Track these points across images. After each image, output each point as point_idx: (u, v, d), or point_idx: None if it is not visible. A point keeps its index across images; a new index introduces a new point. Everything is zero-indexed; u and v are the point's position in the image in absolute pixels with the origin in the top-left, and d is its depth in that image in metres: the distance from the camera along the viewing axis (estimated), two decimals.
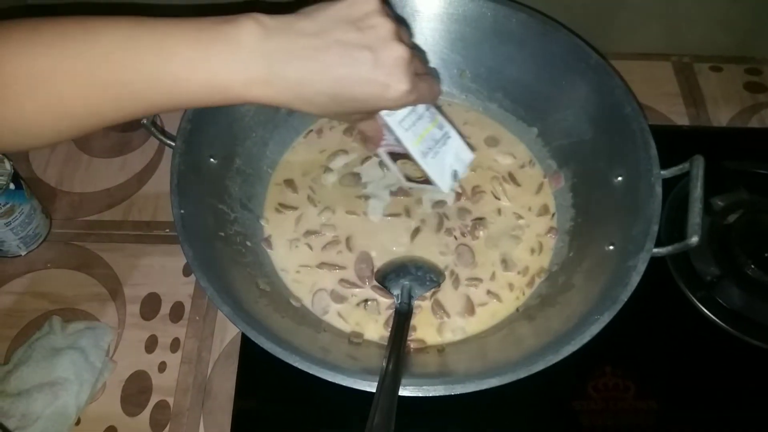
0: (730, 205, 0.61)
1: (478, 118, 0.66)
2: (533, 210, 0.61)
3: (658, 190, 0.50)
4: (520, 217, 0.60)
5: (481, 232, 0.59)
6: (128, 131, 0.70)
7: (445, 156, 0.50)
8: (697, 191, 0.48)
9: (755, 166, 0.65)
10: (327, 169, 0.63)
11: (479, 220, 0.60)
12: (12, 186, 0.55)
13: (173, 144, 0.53)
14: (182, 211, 0.49)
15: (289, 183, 0.62)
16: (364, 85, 0.38)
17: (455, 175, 0.51)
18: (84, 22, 0.35)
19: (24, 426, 0.50)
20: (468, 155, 0.52)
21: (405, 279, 0.54)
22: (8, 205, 0.56)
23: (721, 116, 0.73)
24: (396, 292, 0.54)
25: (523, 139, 0.65)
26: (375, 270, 0.57)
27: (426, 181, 0.51)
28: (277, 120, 0.63)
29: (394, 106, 0.41)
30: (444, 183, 0.51)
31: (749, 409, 0.53)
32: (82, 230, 0.63)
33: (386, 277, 0.55)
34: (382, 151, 0.51)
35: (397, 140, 0.47)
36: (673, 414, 0.53)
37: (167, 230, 0.63)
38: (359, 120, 0.46)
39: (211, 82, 0.36)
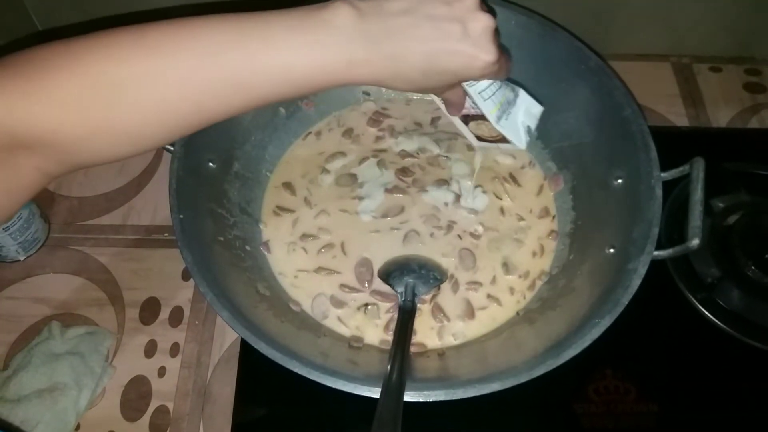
0: (731, 207, 0.61)
1: None
2: (534, 212, 0.61)
3: (659, 192, 0.50)
4: (521, 218, 0.60)
5: (484, 235, 0.59)
6: None
7: (516, 115, 0.51)
8: (697, 194, 0.48)
9: (755, 167, 0.64)
10: (324, 171, 0.63)
11: (482, 224, 0.60)
12: None
13: (172, 148, 0.52)
14: (181, 216, 0.49)
15: (288, 185, 0.62)
16: (454, 56, 0.39)
17: (528, 130, 0.52)
18: (188, 22, 0.36)
19: None
20: (537, 108, 0.52)
21: (409, 277, 0.54)
22: None
23: (721, 117, 0.72)
24: (400, 289, 0.54)
25: None
26: (378, 269, 0.56)
27: (501, 140, 0.52)
28: (276, 123, 0.63)
29: (479, 77, 0.42)
30: (519, 140, 0.52)
31: (750, 411, 0.53)
32: (80, 235, 0.63)
33: (390, 274, 0.55)
34: (456, 117, 0.53)
35: (476, 107, 0.49)
36: (673, 417, 0.52)
37: (166, 234, 0.63)
38: (443, 91, 0.47)
39: (317, 66, 0.37)
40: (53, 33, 0.72)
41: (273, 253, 0.58)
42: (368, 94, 0.68)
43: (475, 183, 0.62)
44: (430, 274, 0.55)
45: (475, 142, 0.56)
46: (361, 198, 0.61)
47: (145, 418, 0.53)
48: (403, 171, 0.63)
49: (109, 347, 0.56)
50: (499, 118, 0.50)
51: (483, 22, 0.39)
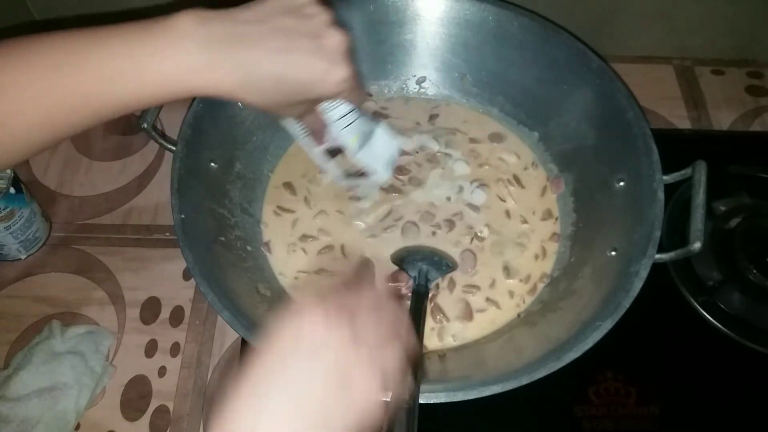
0: (732, 210, 0.61)
1: (478, 118, 0.67)
2: (537, 214, 0.61)
3: (660, 195, 0.50)
4: (525, 221, 0.60)
5: (488, 238, 0.59)
6: (128, 135, 0.70)
7: (374, 146, 0.52)
8: (699, 197, 0.48)
9: (757, 170, 0.64)
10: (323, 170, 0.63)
11: (487, 226, 0.60)
12: (12, 190, 0.55)
13: (174, 148, 0.52)
14: (182, 216, 0.49)
15: (288, 185, 0.62)
16: (306, 69, 0.38)
17: (389, 162, 0.53)
18: (41, 38, 0.36)
19: (23, 431, 0.50)
20: (395, 142, 0.53)
21: (422, 263, 0.55)
22: (8, 209, 0.56)
23: (723, 120, 0.72)
24: (413, 273, 0.54)
25: (525, 142, 0.65)
26: (391, 254, 0.57)
27: (364, 174, 0.53)
28: (277, 124, 0.63)
29: (333, 93, 0.41)
30: (381, 173, 0.52)
31: (751, 414, 0.53)
32: (82, 234, 0.63)
33: (403, 259, 0.56)
34: (318, 150, 0.52)
35: (335, 137, 0.49)
36: (674, 419, 0.52)
37: (167, 234, 0.63)
38: (302, 113, 0.46)
39: (154, 74, 0.36)
40: (47, 25, 0.71)
41: (274, 254, 0.58)
42: (370, 95, 0.68)
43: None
44: (442, 261, 0.56)
45: (342, 180, 0.56)
46: (357, 198, 0.61)
47: (145, 418, 0.53)
48: (399, 170, 0.63)
49: (110, 347, 0.56)
50: (359, 148, 0.50)
51: (336, 38, 0.39)
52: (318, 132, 0.49)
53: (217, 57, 0.36)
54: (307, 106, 0.44)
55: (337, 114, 0.47)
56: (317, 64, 0.39)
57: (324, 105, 0.46)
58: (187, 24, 0.36)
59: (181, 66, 0.36)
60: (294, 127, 0.51)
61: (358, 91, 0.43)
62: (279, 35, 0.38)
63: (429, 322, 0.54)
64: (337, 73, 0.39)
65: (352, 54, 0.40)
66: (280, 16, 0.38)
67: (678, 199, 0.60)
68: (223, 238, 0.54)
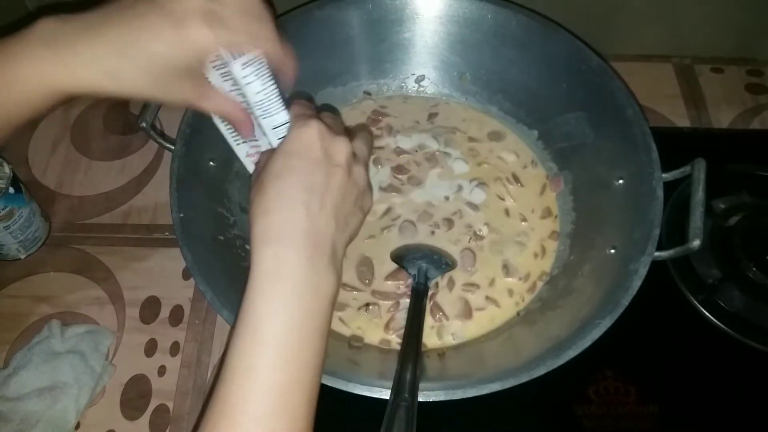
0: (732, 208, 0.61)
1: (477, 117, 0.67)
2: (536, 212, 0.61)
3: (660, 193, 0.50)
4: (524, 219, 0.60)
5: (488, 237, 0.59)
6: (128, 134, 0.70)
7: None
8: (698, 195, 0.48)
9: (757, 168, 0.64)
10: None
11: (486, 224, 0.60)
12: (11, 190, 0.55)
13: (172, 147, 0.52)
14: (181, 215, 0.49)
15: None
16: (155, 38, 0.36)
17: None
18: None
19: (23, 430, 0.50)
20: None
21: (422, 261, 0.55)
22: (7, 209, 0.56)
23: (723, 118, 0.72)
24: (413, 272, 0.54)
25: (524, 141, 0.65)
26: (391, 252, 0.57)
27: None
28: None
29: (196, 56, 0.37)
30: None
31: (751, 413, 0.53)
32: (81, 233, 0.63)
33: (403, 257, 0.56)
34: (249, 161, 0.48)
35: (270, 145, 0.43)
36: (674, 418, 0.52)
37: (167, 233, 0.63)
38: (191, 94, 0.40)
39: (15, 84, 0.36)
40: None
41: None
42: (369, 93, 0.68)
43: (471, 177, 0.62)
44: (442, 260, 0.56)
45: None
46: None
47: (145, 417, 0.53)
48: (399, 169, 0.63)
49: (110, 346, 0.56)
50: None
51: (188, 2, 0.36)
52: (234, 114, 0.42)
53: (68, 53, 0.35)
54: (192, 85, 0.39)
55: (277, 121, 0.41)
56: (163, 28, 0.36)
57: (218, 77, 0.39)
58: (41, 28, 0.36)
59: (34, 71, 0.35)
60: (218, 121, 0.45)
61: (266, 41, 0.38)
62: (122, 14, 0.36)
63: (428, 321, 0.54)
64: (189, 32, 0.36)
65: (217, 7, 0.36)
66: (134, 1, 0.36)
67: (677, 197, 0.60)
68: (222, 237, 0.54)
